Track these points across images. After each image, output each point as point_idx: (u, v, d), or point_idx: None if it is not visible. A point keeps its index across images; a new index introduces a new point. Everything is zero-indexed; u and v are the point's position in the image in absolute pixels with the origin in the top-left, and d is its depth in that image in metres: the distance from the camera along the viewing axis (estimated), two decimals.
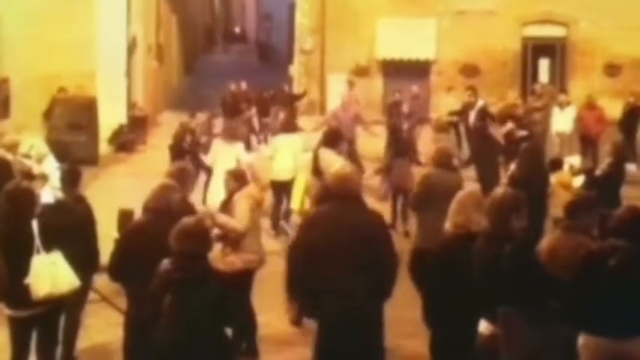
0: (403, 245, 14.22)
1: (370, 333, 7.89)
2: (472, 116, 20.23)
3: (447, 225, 7.75)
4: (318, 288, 7.77)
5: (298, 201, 11.53)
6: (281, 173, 15.94)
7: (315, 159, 11.67)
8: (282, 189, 15.98)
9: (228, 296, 7.48)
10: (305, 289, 7.95)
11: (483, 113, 20.14)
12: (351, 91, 26.80)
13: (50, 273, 8.47)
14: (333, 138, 12.67)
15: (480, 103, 21.02)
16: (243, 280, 9.82)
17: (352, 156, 19.25)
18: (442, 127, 19.31)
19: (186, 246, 7.20)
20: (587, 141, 22.19)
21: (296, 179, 11.69)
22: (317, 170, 11.40)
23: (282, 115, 23.54)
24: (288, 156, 15.97)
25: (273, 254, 11.34)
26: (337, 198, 7.94)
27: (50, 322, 8.74)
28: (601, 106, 23.38)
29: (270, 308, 10.57)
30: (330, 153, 11.96)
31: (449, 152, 11.43)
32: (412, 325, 9.25)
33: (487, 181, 16.59)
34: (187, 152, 17.50)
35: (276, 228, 16.02)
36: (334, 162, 11.46)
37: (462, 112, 21.28)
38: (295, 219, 14.20)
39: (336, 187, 8.01)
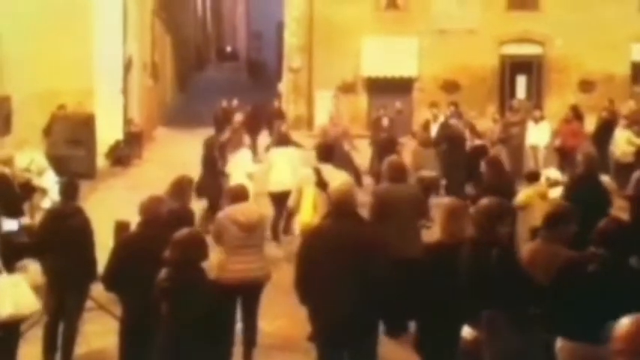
0: None
1: (365, 341, 8.03)
2: (434, 130, 22.01)
3: (438, 234, 7.74)
4: (318, 298, 7.91)
5: (308, 214, 11.46)
6: (278, 185, 15.70)
7: (317, 173, 11.62)
8: (280, 200, 15.87)
9: (220, 304, 7.48)
10: (308, 298, 8.07)
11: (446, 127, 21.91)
12: (338, 106, 27.12)
13: (13, 294, 8.40)
14: (327, 151, 12.65)
15: (441, 118, 23.04)
16: (241, 289, 9.86)
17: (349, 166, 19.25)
18: (425, 142, 19.39)
19: (181, 255, 7.18)
20: (563, 154, 22.19)
21: (304, 193, 11.61)
22: (321, 183, 11.37)
23: (284, 128, 23.65)
24: (285, 168, 15.81)
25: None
26: (337, 213, 8.04)
27: (6, 343, 8.56)
28: (580, 120, 23.50)
29: (261, 314, 10.51)
30: (329, 167, 11.93)
31: (401, 165, 11.16)
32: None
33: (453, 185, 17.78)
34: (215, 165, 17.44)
35: (277, 239, 15.78)
36: (339, 176, 11.51)
37: (425, 127, 22.62)
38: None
39: (336, 203, 8.10)
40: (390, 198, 10.59)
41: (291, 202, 12.39)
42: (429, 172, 17.77)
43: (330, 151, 12.82)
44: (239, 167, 16.10)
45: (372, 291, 7.81)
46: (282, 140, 17.29)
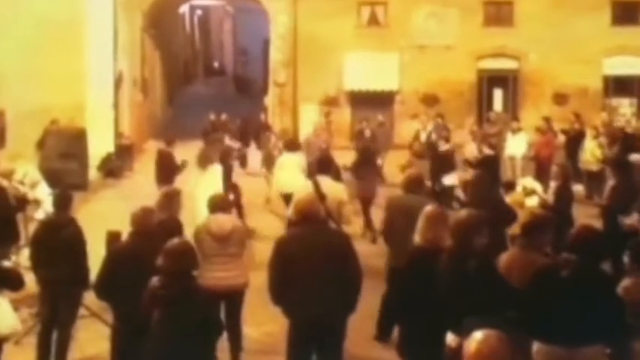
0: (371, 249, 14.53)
1: (336, 339, 8.31)
2: (423, 137, 23.17)
3: (417, 239, 7.81)
4: (292, 299, 8.10)
5: None
6: (287, 186, 16.09)
7: (316, 186, 11.65)
8: (290, 200, 16.21)
9: (212, 311, 7.50)
10: (283, 300, 8.24)
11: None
12: (322, 119, 27.47)
13: None
14: (325, 164, 12.73)
15: (429, 126, 23.99)
16: (229, 296, 9.87)
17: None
18: (419, 153, 19.50)
19: (172, 264, 7.18)
20: (538, 164, 22.37)
21: None
22: (319, 195, 11.40)
23: (273, 139, 23.75)
24: (293, 171, 16.35)
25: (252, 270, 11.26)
26: (306, 221, 8.24)
27: None
28: (552, 131, 23.65)
29: (247, 320, 10.52)
30: (327, 179, 11.97)
31: (417, 178, 11.02)
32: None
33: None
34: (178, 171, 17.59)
35: None
36: (336, 188, 11.59)
37: (416, 136, 23.58)
38: None
39: (304, 211, 8.30)
40: (398, 207, 10.52)
41: (290, 212, 12.46)
42: None
43: (328, 164, 12.92)
44: (210, 183, 16.18)
45: (347, 290, 8.08)
46: (291, 146, 17.48)
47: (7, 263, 9.75)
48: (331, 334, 8.25)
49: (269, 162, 21.08)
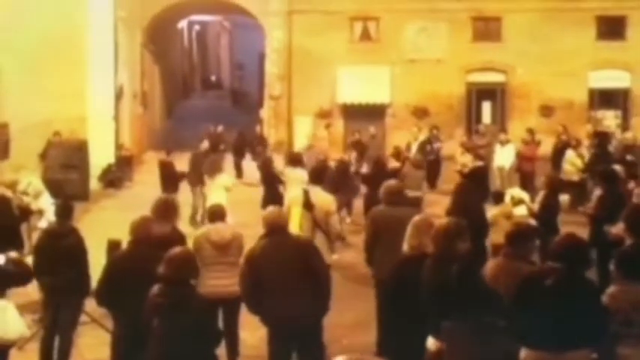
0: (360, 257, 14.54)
1: (313, 340, 8.56)
2: (414, 148, 23.64)
3: (404, 247, 7.90)
4: (267, 307, 8.37)
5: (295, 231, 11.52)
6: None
7: (306, 195, 11.66)
8: None
9: (211, 319, 7.50)
10: (258, 308, 8.55)
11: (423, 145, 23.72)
12: (324, 131, 28.43)
13: (0, 319, 8.35)
14: (318, 175, 12.75)
15: (421, 137, 24.46)
16: (227, 303, 9.86)
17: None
18: (417, 163, 19.48)
19: (174, 272, 7.17)
20: (522, 174, 22.45)
21: (291, 212, 11.58)
22: (308, 204, 11.42)
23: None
24: (298, 185, 16.10)
25: None
26: (273, 232, 8.50)
27: None
28: (536, 142, 23.69)
29: (243, 325, 10.48)
30: (318, 189, 11.96)
31: (397, 189, 10.83)
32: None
33: None
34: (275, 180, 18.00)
35: None
36: (325, 198, 11.62)
37: (407, 147, 23.79)
38: None
39: (271, 224, 8.56)
40: (384, 220, 10.38)
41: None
42: (413, 192, 17.69)
43: (321, 175, 12.94)
44: (218, 190, 16.24)
45: (317, 292, 8.34)
46: (294, 161, 17.57)
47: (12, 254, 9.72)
48: (307, 335, 8.44)
49: None
